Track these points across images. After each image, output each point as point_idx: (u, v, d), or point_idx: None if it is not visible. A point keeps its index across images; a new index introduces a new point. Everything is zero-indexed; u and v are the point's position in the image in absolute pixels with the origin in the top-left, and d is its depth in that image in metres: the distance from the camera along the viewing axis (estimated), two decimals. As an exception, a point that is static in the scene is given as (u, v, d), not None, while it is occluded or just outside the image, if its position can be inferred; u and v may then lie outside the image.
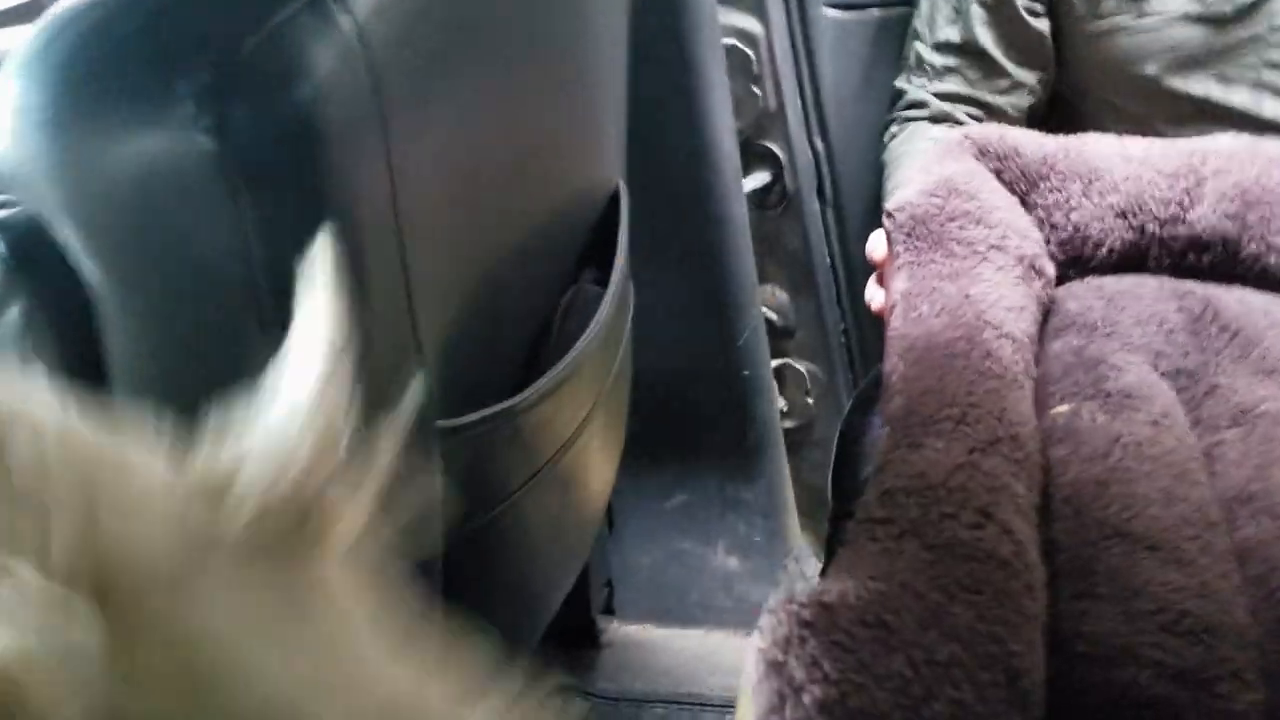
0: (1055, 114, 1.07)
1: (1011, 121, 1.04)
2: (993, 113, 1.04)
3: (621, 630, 1.11)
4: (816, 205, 1.16)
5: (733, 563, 1.16)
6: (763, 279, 1.20)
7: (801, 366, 1.29)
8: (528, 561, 0.77)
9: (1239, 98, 0.95)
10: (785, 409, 1.30)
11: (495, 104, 0.65)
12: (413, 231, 0.53)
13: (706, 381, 1.11)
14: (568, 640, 1.09)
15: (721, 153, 1.02)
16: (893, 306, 0.74)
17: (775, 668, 0.41)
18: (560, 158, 0.78)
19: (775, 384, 1.24)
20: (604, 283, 0.81)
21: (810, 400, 1.29)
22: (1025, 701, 0.46)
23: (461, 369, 0.64)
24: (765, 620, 0.42)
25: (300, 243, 0.34)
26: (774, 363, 1.24)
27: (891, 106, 1.10)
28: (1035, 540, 0.56)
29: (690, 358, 1.11)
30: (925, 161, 0.83)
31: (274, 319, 0.44)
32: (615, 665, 1.10)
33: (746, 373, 1.12)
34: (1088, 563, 0.57)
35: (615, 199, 0.86)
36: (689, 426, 1.13)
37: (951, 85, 1.05)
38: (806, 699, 0.40)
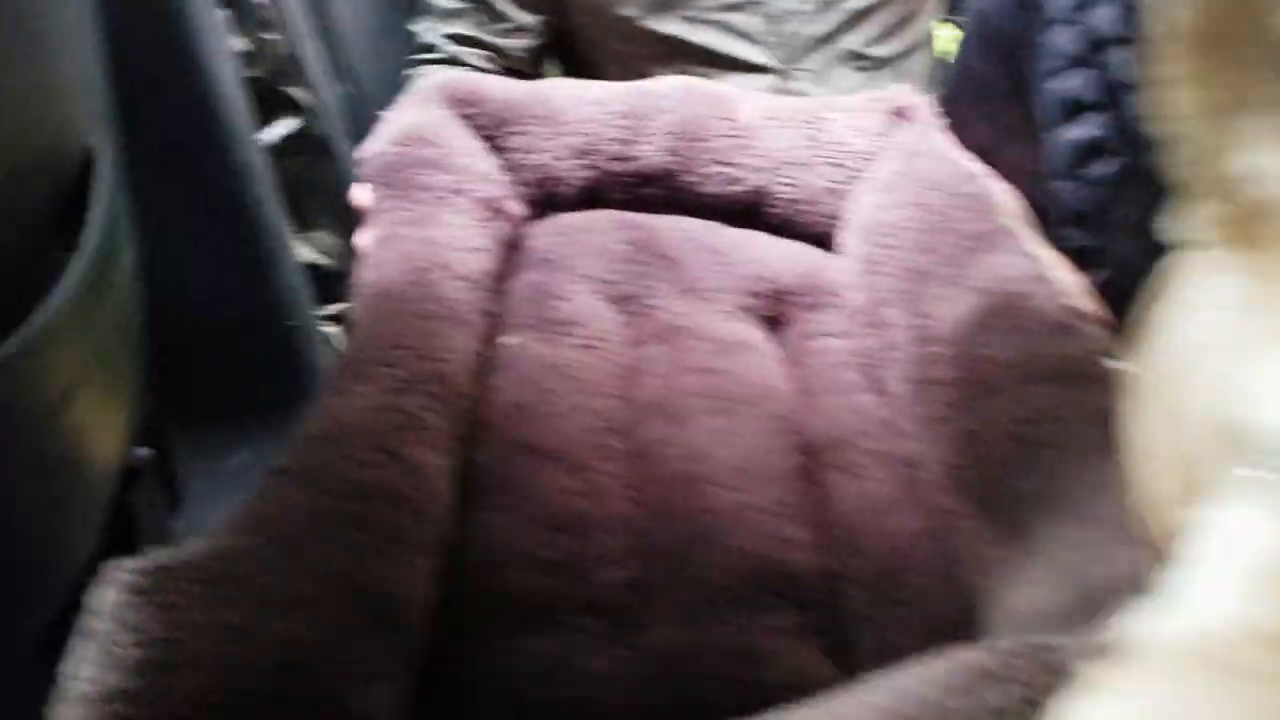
0: (559, 55, 1.14)
1: (517, 63, 1.10)
2: (500, 55, 1.10)
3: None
4: (350, 149, 1.17)
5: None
6: (310, 225, 1.20)
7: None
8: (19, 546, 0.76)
9: (703, 37, 1.06)
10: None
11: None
12: None
13: (251, 334, 1.11)
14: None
15: (227, 101, 1.00)
16: (363, 254, 0.78)
17: (95, 635, 0.43)
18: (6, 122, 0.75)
19: (342, 331, 1.25)
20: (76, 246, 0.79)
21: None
22: (395, 625, 0.52)
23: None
24: (94, 591, 0.44)
25: None
26: (340, 308, 1.26)
27: (412, 50, 1.13)
28: (447, 469, 0.62)
29: (231, 311, 1.10)
30: (396, 110, 0.87)
31: None
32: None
33: (292, 322, 1.12)
34: (499, 480, 0.64)
35: (91, 161, 0.83)
36: (242, 382, 1.13)
37: (459, 28, 1.09)
38: (123, 660, 0.42)
